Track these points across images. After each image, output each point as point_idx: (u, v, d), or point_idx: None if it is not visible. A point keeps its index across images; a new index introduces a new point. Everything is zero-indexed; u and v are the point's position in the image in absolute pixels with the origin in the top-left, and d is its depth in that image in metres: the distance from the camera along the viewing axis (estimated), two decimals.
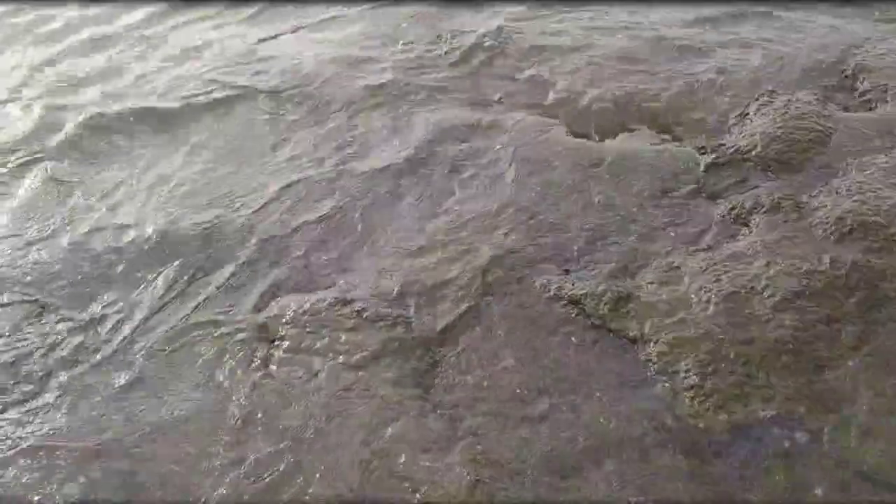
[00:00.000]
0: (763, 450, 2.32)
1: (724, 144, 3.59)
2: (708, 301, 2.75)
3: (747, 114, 3.80)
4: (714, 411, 2.43)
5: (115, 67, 4.82)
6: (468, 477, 2.28)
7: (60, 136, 4.08)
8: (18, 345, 2.85)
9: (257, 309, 2.92)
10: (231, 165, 3.79)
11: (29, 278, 3.15)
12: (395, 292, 2.92)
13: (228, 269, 3.12)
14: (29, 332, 2.90)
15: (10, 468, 2.41)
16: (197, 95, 4.37)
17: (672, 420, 2.42)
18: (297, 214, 3.40)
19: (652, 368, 2.58)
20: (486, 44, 4.68)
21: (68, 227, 3.43)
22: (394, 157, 3.70)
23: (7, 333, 2.90)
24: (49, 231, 3.42)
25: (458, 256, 3.07)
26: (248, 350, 2.74)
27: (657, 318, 2.71)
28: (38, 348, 2.83)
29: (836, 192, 3.20)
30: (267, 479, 2.33)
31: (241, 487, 2.31)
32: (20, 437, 2.50)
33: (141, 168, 3.82)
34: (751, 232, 3.08)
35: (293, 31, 5.20)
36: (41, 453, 2.45)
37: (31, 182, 3.76)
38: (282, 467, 2.36)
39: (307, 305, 2.88)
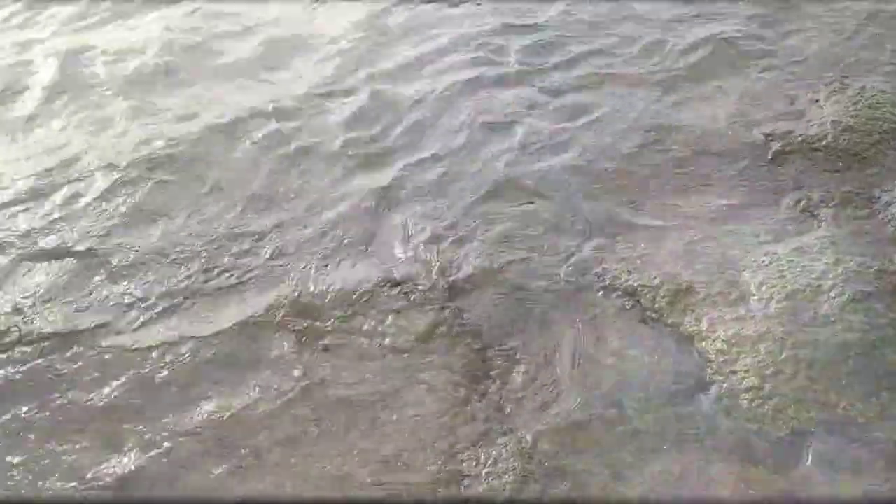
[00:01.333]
0: (822, 460, 2.21)
1: (792, 132, 3.41)
2: (770, 298, 2.63)
3: (817, 100, 3.61)
4: (773, 416, 2.32)
5: None
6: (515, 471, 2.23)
7: None
8: None
9: None
10: None
11: None
12: None
13: None
14: None
15: None
16: None
17: (729, 422, 2.32)
18: None
19: (709, 367, 2.48)
20: None
21: None
22: None
23: None
24: None
25: None
26: None
27: (716, 313, 2.60)
28: None
29: None
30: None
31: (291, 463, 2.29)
32: None
33: None
34: (819, 226, 2.93)
35: None
36: None
37: None
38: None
39: None
